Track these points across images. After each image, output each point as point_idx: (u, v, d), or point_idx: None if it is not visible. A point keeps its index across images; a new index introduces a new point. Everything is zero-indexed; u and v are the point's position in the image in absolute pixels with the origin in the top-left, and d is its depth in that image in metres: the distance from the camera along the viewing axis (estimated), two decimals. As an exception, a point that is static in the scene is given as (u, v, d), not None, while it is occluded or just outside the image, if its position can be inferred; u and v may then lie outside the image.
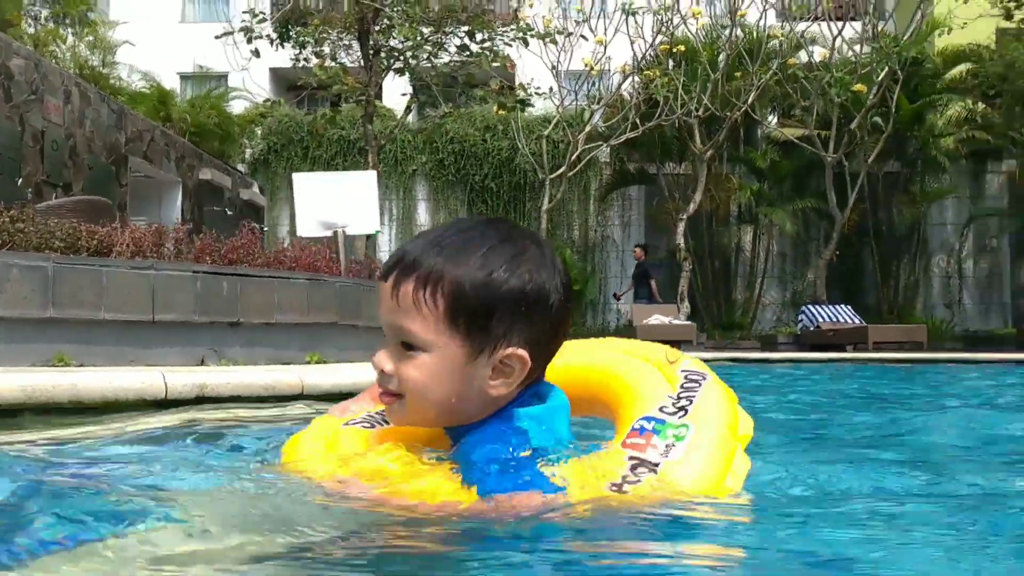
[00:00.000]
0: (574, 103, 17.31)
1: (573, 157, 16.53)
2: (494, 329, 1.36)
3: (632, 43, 16.22)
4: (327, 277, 4.63)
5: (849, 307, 15.77)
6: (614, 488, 1.31)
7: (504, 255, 1.38)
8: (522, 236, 1.44)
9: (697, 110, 16.09)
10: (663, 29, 16.22)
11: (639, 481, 1.33)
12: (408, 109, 15.71)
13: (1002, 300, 19.12)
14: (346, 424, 1.62)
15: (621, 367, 1.66)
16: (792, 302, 18.79)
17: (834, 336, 14.67)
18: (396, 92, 18.17)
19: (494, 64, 14.09)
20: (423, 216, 20.19)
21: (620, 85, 16.99)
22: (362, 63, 14.60)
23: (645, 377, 1.59)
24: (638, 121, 16.47)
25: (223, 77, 21.05)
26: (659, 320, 14.78)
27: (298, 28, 14.46)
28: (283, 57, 14.91)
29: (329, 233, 6.03)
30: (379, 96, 17.04)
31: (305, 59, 14.53)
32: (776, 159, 18.10)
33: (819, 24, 16.25)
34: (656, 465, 1.36)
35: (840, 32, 15.72)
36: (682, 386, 1.53)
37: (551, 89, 16.57)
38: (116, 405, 3.11)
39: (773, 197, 17.97)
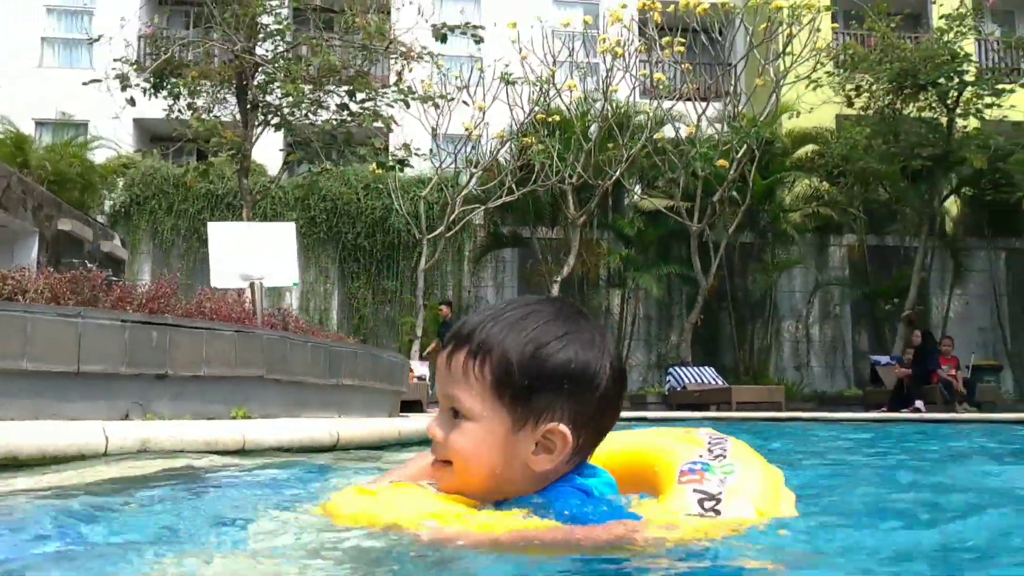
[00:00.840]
0: (452, 166, 17.59)
1: (452, 218, 16.73)
2: (536, 404, 1.40)
3: (511, 109, 16.72)
4: (255, 330, 4.54)
5: (712, 369, 16.52)
6: (698, 512, 1.42)
7: (553, 333, 1.42)
8: (575, 316, 1.48)
9: (571, 177, 16.66)
10: (540, 100, 16.80)
11: (714, 513, 1.42)
12: (286, 164, 15.54)
13: (845, 364, 20.44)
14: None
15: (651, 439, 1.79)
16: (657, 363, 19.47)
17: (700, 396, 15.30)
18: (267, 147, 17.96)
19: (376, 124, 14.17)
20: (293, 274, 19.83)
21: (498, 150, 17.42)
22: (236, 117, 14.42)
23: (674, 442, 1.72)
24: (514, 186, 16.91)
25: (83, 125, 20.24)
26: (535, 381, 14.98)
27: (172, 79, 14.15)
28: (149, 107, 14.53)
29: (245, 285, 5.92)
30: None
31: (179, 110, 14.22)
32: (642, 227, 18.89)
33: (684, 103, 17.25)
34: (719, 494, 1.46)
35: (704, 112, 16.73)
36: (709, 444, 1.66)
37: (431, 151, 16.81)
38: (55, 460, 2.96)
39: (640, 263, 18.70)
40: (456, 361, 1.43)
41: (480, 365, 1.40)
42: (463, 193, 17.16)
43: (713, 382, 16.06)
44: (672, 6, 16.42)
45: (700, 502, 1.44)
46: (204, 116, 13.84)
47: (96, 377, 3.66)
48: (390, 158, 16.19)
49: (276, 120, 14.49)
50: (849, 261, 20.62)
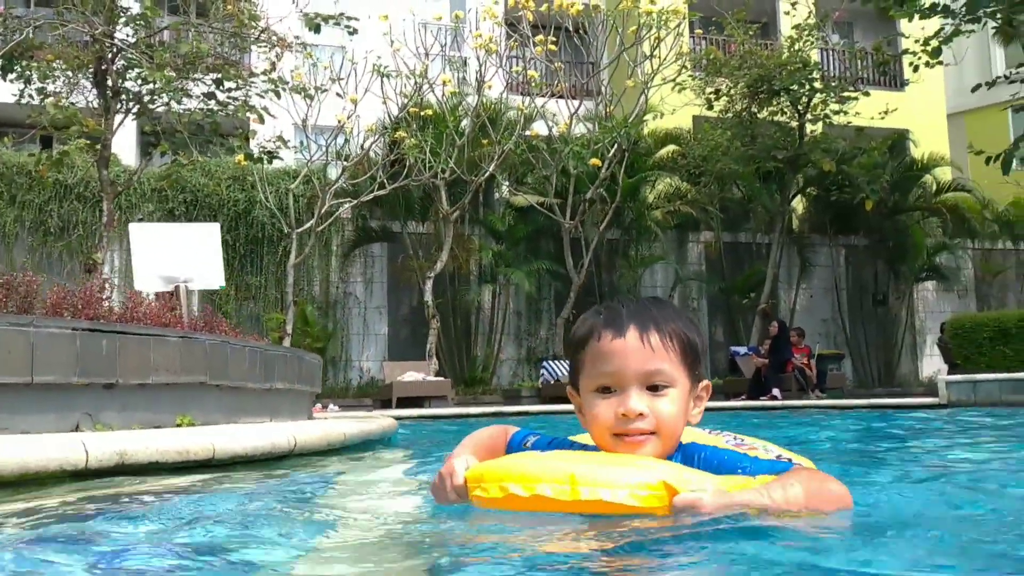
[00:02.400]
0: (323, 158, 17.23)
1: (323, 211, 16.40)
2: (699, 368, 1.82)
3: (385, 102, 16.56)
4: (198, 335, 4.35)
5: (584, 362, 16.93)
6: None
7: (692, 319, 1.89)
8: (682, 309, 1.98)
9: (444, 173, 16.67)
10: (414, 95, 16.71)
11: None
12: (149, 155, 14.81)
13: (702, 355, 21.39)
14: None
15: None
16: (527, 358, 19.77)
17: (573, 389, 15.65)
18: (120, 136, 17.02)
19: (250, 115, 13.72)
20: (149, 269, 18.88)
21: (371, 144, 17.20)
22: (94, 104, 13.63)
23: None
24: (385, 181, 16.75)
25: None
26: (413, 377, 14.97)
27: (23, 62, 13.21)
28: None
29: (170, 288, 5.60)
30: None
31: (29, 95, 13.30)
32: (512, 223, 19.12)
33: (556, 101, 17.58)
34: (779, 456, 1.85)
35: (576, 111, 17.11)
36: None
37: (301, 143, 16.42)
38: (36, 477, 2.79)
39: (511, 258, 18.93)
40: (654, 341, 1.73)
41: (671, 340, 1.75)
42: (335, 186, 16.87)
43: (585, 375, 16.46)
44: (545, 4, 16.69)
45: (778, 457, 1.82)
46: (62, 102, 12.99)
47: (48, 388, 3.43)
48: (257, 149, 15.73)
49: (138, 108, 13.79)
50: (706, 257, 21.58)
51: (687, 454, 1.78)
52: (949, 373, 16.76)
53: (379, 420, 5.64)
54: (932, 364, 22.01)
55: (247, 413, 4.72)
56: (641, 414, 1.70)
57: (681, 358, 1.75)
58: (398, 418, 10.90)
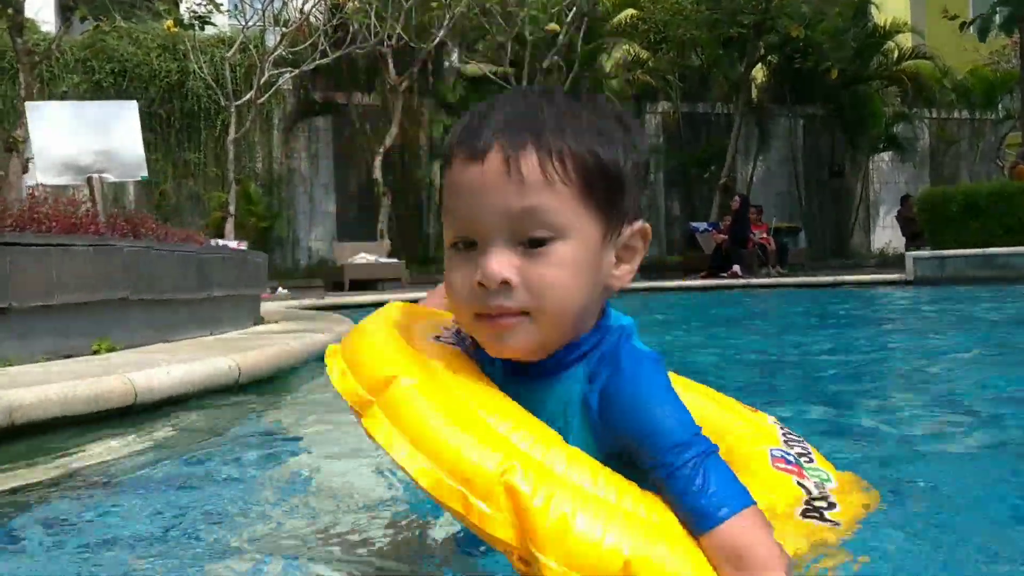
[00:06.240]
0: (260, 24, 15.98)
1: (262, 82, 15.31)
2: (625, 204, 1.16)
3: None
4: (115, 241, 3.69)
5: (543, 239, 16.46)
6: (812, 515, 1.30)
7: (618, 125, 1.17)
8: (612, 106, 1.22)
9: (391, 39, 15.62)
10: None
11: (830, 508, 1.33)
12: (68, 21, 13.52)
13: (659, 230, 21.03)
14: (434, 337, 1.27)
15: (711, 397, 1.64)
16: (482, 235, 19.21)
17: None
18: (39, 1, 15.56)
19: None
20: (77, 145, 17.71)
21: (311, 7, 15.97)
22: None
23: (743, 414, 1.60)
24: (328, 48, 15.66)
25: None
26: (365, 259, 14.38)
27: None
28: None
29: (80, 180, 4.84)
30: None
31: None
32: (464, 93, 18.19)
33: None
34: (826, 498, 1.36)
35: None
36: (784, 436, 1.55)
37: (236, 6, 15.17)
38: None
39: (463, 131, 18.08)
40: (529, 165, 1.08)
41: (562, 166, 1.09)
42: (273, 56, 15.72)
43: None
44: None
45: (809, 500, 1.34)
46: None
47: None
48: (187, 14, 14.54)
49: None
50: (664, 129, 20.93)
51: (605, 355, 1.17)
52: (906, 246, 16.65)
53: (339, 326, 5.07)
54: (884, 236, 21.99)
55: (181, 329, 4.13)
56: (506, 282, 1.10)
57: (581, 190, 1.11)
58: (349, 306, 10.37)
